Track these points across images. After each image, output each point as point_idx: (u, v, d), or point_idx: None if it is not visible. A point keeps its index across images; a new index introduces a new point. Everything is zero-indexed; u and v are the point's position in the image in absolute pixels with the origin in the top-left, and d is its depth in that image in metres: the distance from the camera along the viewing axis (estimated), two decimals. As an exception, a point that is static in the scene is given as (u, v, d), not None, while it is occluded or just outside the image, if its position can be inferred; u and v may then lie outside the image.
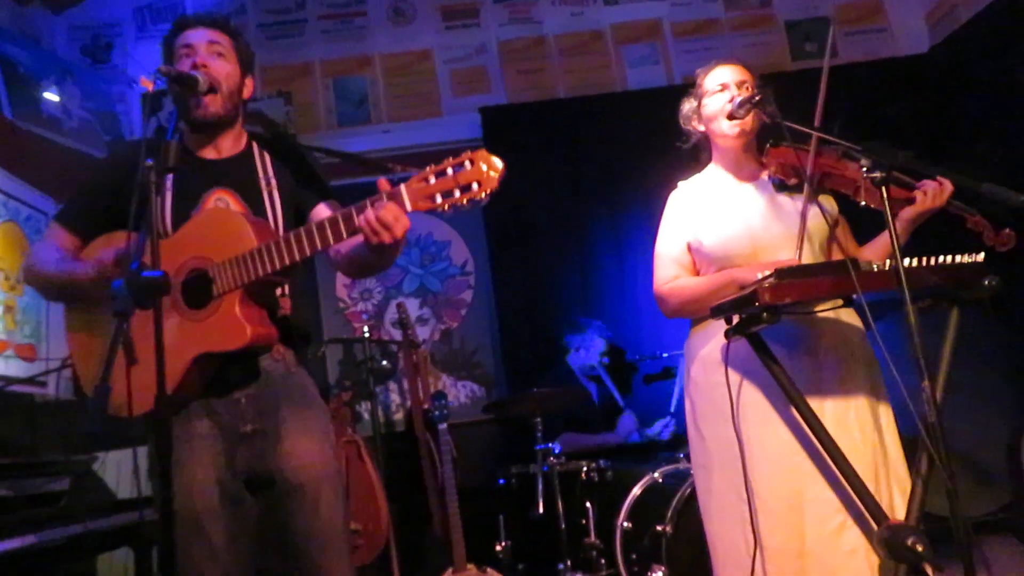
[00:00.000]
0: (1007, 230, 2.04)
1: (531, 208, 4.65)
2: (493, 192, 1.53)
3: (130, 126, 4.56)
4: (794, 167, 2.11)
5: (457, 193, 1.54)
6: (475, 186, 1.53)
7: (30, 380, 3.47)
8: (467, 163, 1.54)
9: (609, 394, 4.07)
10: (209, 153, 1.94)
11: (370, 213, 1.58)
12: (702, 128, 2.26)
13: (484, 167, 1.52)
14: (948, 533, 1.69)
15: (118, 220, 1.83)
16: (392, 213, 1.57)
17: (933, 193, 2.03)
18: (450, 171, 1.54)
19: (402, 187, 1.58)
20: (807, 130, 2.02)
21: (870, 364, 2.08)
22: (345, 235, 1.64)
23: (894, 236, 1.72)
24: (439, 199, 1.55)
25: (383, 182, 1.61)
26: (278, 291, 1.88)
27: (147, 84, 1.66)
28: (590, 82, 4.95)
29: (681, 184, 2.31)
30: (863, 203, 2.04)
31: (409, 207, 1.57)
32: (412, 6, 4.99)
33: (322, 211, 1.95)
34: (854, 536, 1.90)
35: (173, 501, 1.41)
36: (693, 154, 2.36)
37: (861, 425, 1.98)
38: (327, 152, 1.94)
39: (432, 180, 1.56)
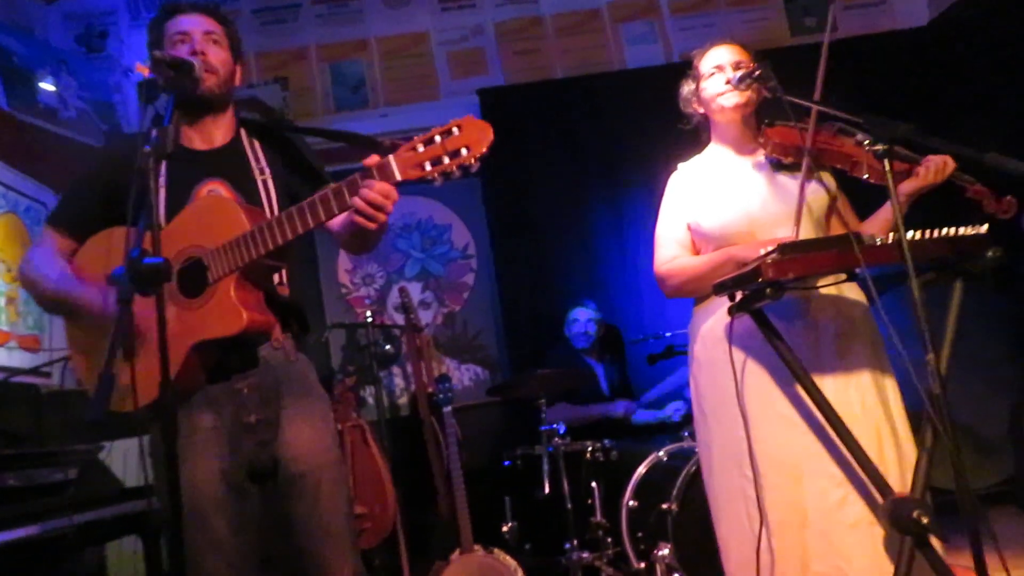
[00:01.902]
0: (1009, 197, 2.03)
1: (531, 189, 4.64)
2: (482, 156, 1.53)
3: (127, 115, 4.53)
4: (791, 145, 2.10)
5: (446, 160, 1.54)
6: (464, 151, 1.53)
7: (34, 371, 3.48)
8: (454, 129, 1.54)
9: (615, 373, 4.07)
10: (200, 144, 1.92)
11: (360, 199, 1.59)
12: (702, 110, 2.26)
13: (473, 132, 1.53)
14: (952, 505, 1.70)
15: (113, 216, 1.82)
16: (383, 191, 1.58)
17: (936, 168, 2.02)
18: (438, 138, 1.54)
19: (391, 158, 1.58)
20: (807, 103, 2.01)
21: (873, 339, 2.07)
22: (336, 212, 1.64)
23: (897, 209, 1.72)
24: (428, 167, 1.55)
25: (373, 158, 1.61)
26: (276, 278, 1.87)
27: (143, 70, 1.64)
28: (588, 61, 4.92)
29: (680, 166, 2.31)
30: (865, 176, 2.03)
31: (399, 177, 1.57)
32: (407, -12, 4.95)
33: None
34: (856, 510, 1.90)
35: (180, 492, 1.41)
36: (693, 133, 2.36)
37: (862, 399, 1.98)
38: (317, 132, 1.92)
39: (420, 148, 1.56)
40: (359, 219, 1.62)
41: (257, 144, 1.96)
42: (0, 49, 3.91)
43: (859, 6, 4.95)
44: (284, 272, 1.88)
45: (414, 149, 1.56)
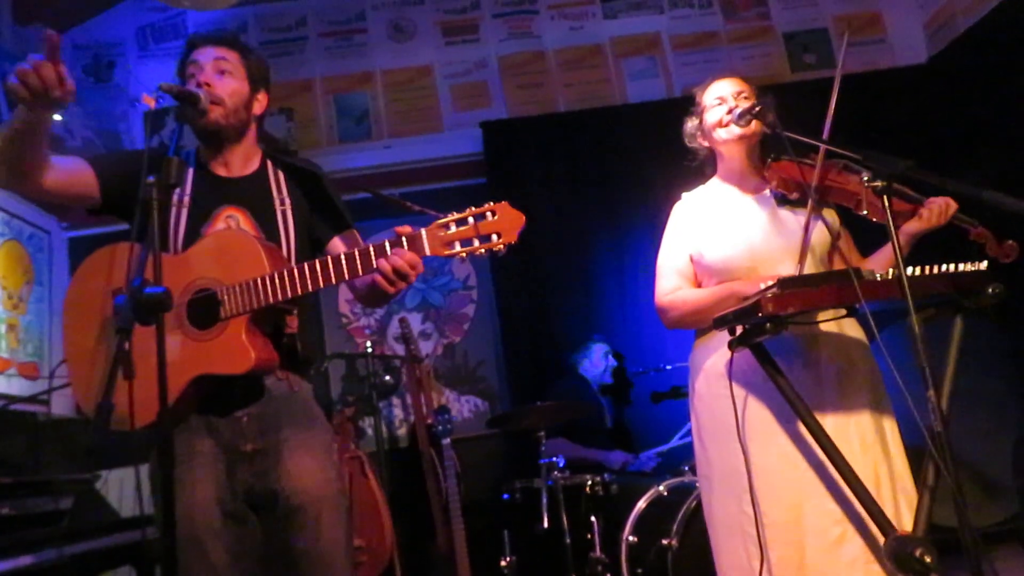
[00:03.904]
0: (1010, 242, 2.04)
1: (532, 221, 4.61)
2: (511, 245, 1.57)
3: (132, 144, 4.58)
4: (795, 181, 2.11)
5: (476, 242, 1.58)
6: (495, 237, 1.57)
7: (32, 399, 3.47)
8: (489, 214, 1.58)
9: (624, 420, 4.06)
10: (220, 170, 1.93)
11: (387, 263, 1.62)
12: (706, 144, 2.27)
13: (506, 219, 1.57)
14: (956, 544, 1.68)
15: (123, 206, 1.83)
16: (410, 262, 1.62)
17: (939, 210, 2.03)
18: (471, 220, 1.58)
19: (423, 232, 1.61)
20: (810, 140, 2.02)
21: (873, 376, 2.08)
22: (361, 272, 1.65)
23: (896, 244, 1.72)
24: (458, 247, 1.59)
25: (404, 228, 1.64)
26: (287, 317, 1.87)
27: (149, 101, 1.66)
28: (590, 95, 4.96)
29: (685, 196, 2.32)
30: (865, 213, 2.04)
31: (428, 252, 1.60)
32: (412, 23, 5.02)
33: (337, 245, 1.95)
34: (854, 548, 1.90)
35: (175, 518, 1.40)
36: (695, 168, 2.37)
37: (862, 437, 1.98)
38: (359, 188, 1.95)
39: (452, 228, 1.59)
40: (381, 281, 1.65)
41: (282, 176, 1.96)
42: (7, 78, 3.95)
43: (858, 43, 5.01)
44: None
45: (445, 228, 1.59)
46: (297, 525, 1.77)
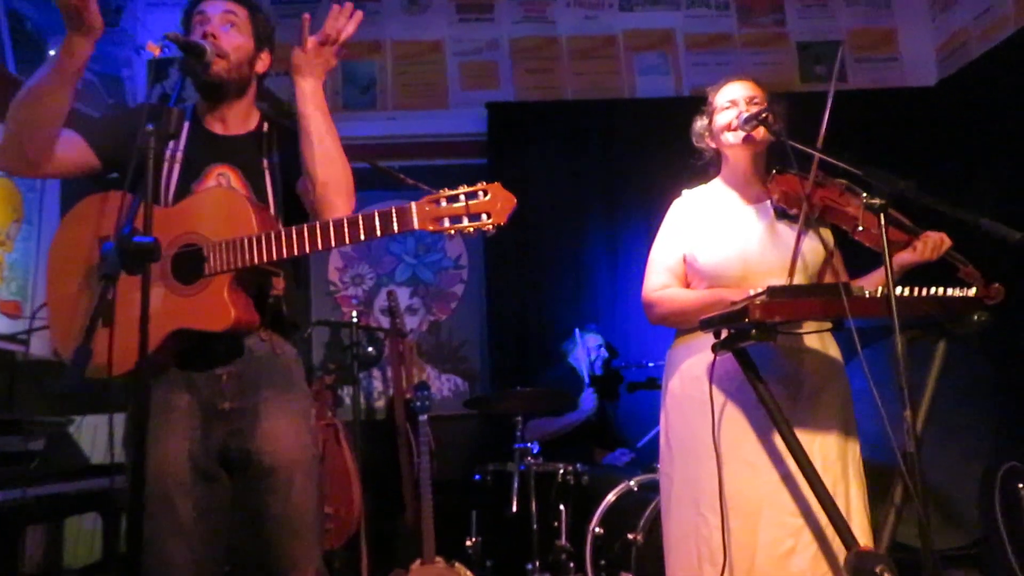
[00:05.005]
0: (996, 285, 2.05)
1: (529, 207, 4.63)
2: (500, 226, 1.56)
3: (134, 91, 4.52)
4: (797, 196, 2.10)
5: (465, 220, 1.57)
6: (484, 216, 1.56)
7: (12, 338, 3.45)
8: (480, 193, 1.57)
9: (607, 414, 4.05)
10: (217, 127, 1.92)
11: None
12: (713, 145, 2.26)
13: (497, 200, 1.56)
14: (916, 565, 1.70)
15: (116, 167, 1.83)
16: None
17: (932, 245, 2.04)
18: (463, 198, 1.58)
19: (412, 205, 1.60)
20: (809, 150, 2.02)
21: (845, 398, 2.10)
22: (347, 240, 1.64)
23: (888, 263, 1.73)
24: (447, 223, 1.58)
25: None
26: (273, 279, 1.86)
27: (154, 49, 1.64)
28: (598, 86, 4.95)
29: (685, 192, 2.31)
30: (860, 232, 2.04)
31: (416, 225, 1.59)
32: (427, -5, 4.97)
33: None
34: (802, 560, 1.93)
35: (145, 470, 1.40)
36: (696, 168, 2.36)
37: (824, 456, 2.00)
38: (353, 157, 1.93)
39: (443, 203, 1.58)
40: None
41: (276, 138, 1.95)
42: (13, 13, 3.90)
43: (870, 59, 5.01)
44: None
45: (436, 202, 1.59)
46: (268, 487, 1.76)
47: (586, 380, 4.00)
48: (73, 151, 1.83)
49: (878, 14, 5.08)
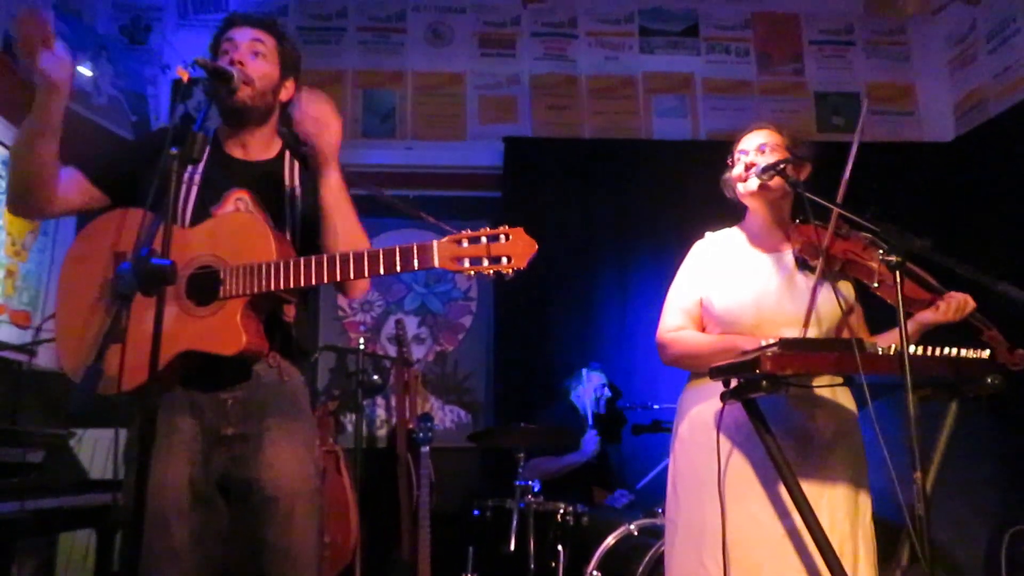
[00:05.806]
0: (1021, 351, 2.03)
1: (542, 244, 4.60)
2: (519, 271, 1.57)
3: (157, 110, 4.58)
4: (818, 247, 2.09)
5: (485, 262, 1.58)
6: (504, 260, 1.58)
7: (20, 348, 3.45)
8: (502, 236, 1.59)
9: (608, 454, 4.02)
10: (237, 152, 1.93)
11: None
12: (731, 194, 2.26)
13: (518, 244, 1.58)
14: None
15: (132, 195, 1.83)
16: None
17: (956, 306, 2.02)
18: (484, 240, 1.59)
19: (434, 243, 1.61)
20: (826, 203, 2.01)
21: (857, 452, 2.07)
22: (367, 274, 1.65)
23: (902, 320, 1.71)
24: (467, 263, 1.59)
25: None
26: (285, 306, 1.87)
27: (183, 74, 1.65)
28: (616, 125, 4.98)
29: (708, 234, 2.30)
30: (877, 286, 2.02)
31: (437, 264, 1.60)
32: (451, 29, 5.04)
33: None
34: None
35: (146, 489, 1.39)
36: (710, 212, 2.34)
37: (832, 512, 1.96)
38: (374, 193, 1.95)
39: (464, 244, 1.60)
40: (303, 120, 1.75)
41: (297, 167, 1.96)
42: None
43: (887, 112, 5.03)
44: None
45: (458, 243, 1.60)
46: (268, 517, 1.74)
47: (589, 420, 3.98)
48: (73, 191, 1.85)
49: (897, 68, 5.13)
